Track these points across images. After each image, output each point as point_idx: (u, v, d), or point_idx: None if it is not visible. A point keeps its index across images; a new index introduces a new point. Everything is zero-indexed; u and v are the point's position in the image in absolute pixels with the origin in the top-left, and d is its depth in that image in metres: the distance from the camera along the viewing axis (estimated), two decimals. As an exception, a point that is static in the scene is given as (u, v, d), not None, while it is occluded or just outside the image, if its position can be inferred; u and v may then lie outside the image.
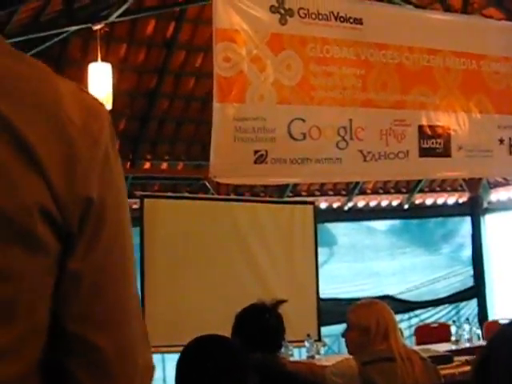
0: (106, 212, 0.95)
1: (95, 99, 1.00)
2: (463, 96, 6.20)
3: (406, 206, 11.55)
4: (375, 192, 11.43)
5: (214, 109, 5.22)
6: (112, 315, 0.96)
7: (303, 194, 10.80)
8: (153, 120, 9.64)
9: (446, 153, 6.10)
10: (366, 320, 3.66)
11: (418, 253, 11.98)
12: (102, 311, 0.95)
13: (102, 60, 7.40)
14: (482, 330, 8.04)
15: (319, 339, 7.80)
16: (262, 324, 3.49)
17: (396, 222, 12.09)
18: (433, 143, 6.03)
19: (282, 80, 5.41)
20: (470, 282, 11.72)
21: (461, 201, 11.93)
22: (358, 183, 10.82)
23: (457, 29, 6.30)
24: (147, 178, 9.63)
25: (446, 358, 5.87)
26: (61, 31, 7.67)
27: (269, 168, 5.32)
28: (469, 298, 11.63)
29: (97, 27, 7.50)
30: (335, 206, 11.18)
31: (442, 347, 6.88)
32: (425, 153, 5.99)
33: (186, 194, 9.37)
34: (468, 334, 7.45)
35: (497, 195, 11.80)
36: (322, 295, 8.66)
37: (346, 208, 11.24)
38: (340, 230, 11.62)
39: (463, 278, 11.82)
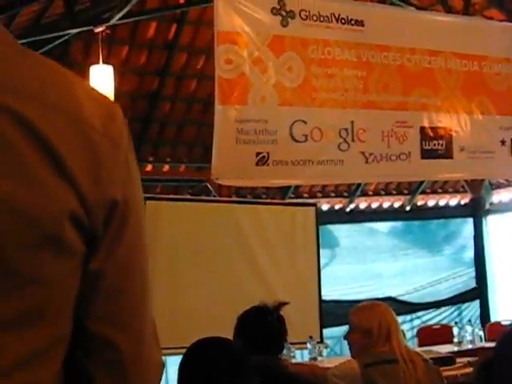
0: (129, 213, 0.96)
1: (108, 98, 1.01)
2: (465, 97, 6.19)
3: (408, 208, 11.55)
4: (377, 193, 11.43)
5: (215, 111, 5.22)
6: (131, 315, 0.98)
7: (305, 195, 10.80)
8: (154, 122, 9.65)
9: (447, 154, 6.10)
10: (368, 322, 3.65)
11: (420, 254, 11.97)
12: (123, 312, 0.97)
13: (104, 62, 7.40)
14: (484, 332, 8.04)
15: (321, 341, 7.79)
16: (264, 326, 3.49)
17: (398, 224, 12.08)
18: (435, 145, 6.03)
19: (283, 82, 5.40)
20: (473, 284, 11.72)
21: (463, 202, 11.93)
22: (359, 185, 10.81)
23: (458, 30, 6.29)
24: (149, 181, 9.63)
25: (449, 360, 5.87)
26: (62, 34, 7.68)
27: (270, 170, 5.32)
28: (471, 300, 11.63)
29: (98, 30, 7.51)
30: (337, 207, 11.18)
31: (445, 349, 6.88)
32: (427, 154, 5.99)
33: (188, 196, 9.36)
34: (470, 335, 7.45)
35: (499, 196, 11.79)
36: (324, 297, 8.66)
37: (347, 210, 11.23)
38: (342, 232, 11.61)
39: (465, 279, 11.81)
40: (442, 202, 11.87)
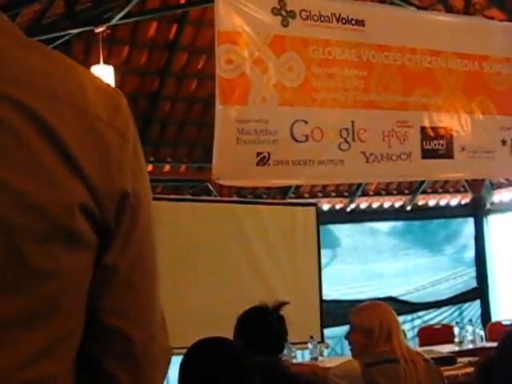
0: (140, 205, 0.97)
1: (113, 88, 1.01)
2: (465, 97, 6.19)
3: (409, 208, 11.55)
4: (378, 193, 11.43)
5: (216, 111, 5.22)
6: (143, 307, 0.99)
7: (306, 195, 10.80)
8: (155, 122, 9.65)
9: (448, 154, 6.09)
10: (369, 322, 3.65)
11: (421, 254, 11.97)
12: (135, 304, 0.98)
13: (104, 62, 7.41)
14: (485, 332, 8.05)
15: (322, 341, 7.79)
16: (264, 326, 3.48)
17: (399, 224, 12.08)
18: (435, 144, 6.02)
19: (284, 82, 5.40)
20: (473, 283, 11.72)
21: (463, 202, 11.93)
22: (360, 185, 10.82)
23: (459, 30, 6.29)
24: (150, 181, 9.57)
25: (449, 360, 5.87)
26: (63, 34, 7.68)
27: (271, 170, 5.32)
28: (472, 300, 11.64)
29: (99, 30, 7.52)
30: (338, 207, 11.19)
31: (445, 348, 6.87)
32: (427, 154, 5.99)
33: (189, 196, 9.37)
34: (471, 335, 7.45)
35: (499, 196, 11.80)
36: (325, 297, 8.67)
37: (348, 209, 11.24)
38: (343, 232, 11.61)
39: (466, 279, 11.82)
40: (442, 202, 11.87)
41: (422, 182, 11.03)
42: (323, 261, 8.78)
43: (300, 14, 5.46)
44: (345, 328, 4.13)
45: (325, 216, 9.76)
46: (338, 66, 5.63)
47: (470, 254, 11.89)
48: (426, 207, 11.78)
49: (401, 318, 5.21)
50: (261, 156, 5.25)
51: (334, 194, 11.11)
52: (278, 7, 5.38)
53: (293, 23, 5.42)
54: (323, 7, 5.60)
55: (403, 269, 11.71)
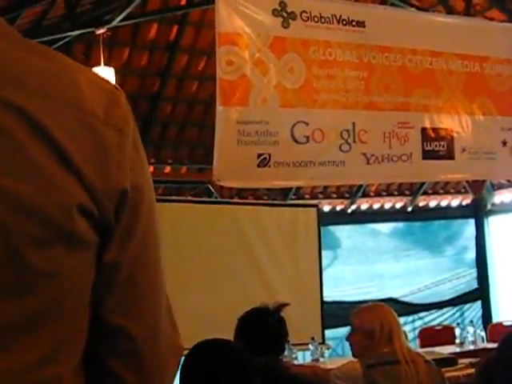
0: (142, 200, 0.96)
1: (111, 84, 1.00)
2: (466, 98, 6.19)
3: (410, 209, 11.55)
4: (378, 194, 11.43)
5: (217, 112, 5.22)
6: (146, 305, 0.98)
7: (306, 196, 10.80)
8: (156, 124, 9.66)
9: (449, 155, 6.09)
10: (370, 323, 3.65)
11: (422, 255, 11.96)
12: (138, 301, 0.97)
13: (105, 64, 7.42)
14: (486, 333, 8.04)
15: (323, 342, 7.80)
16: (264, 327, 3.48)
17: (400, 225, 12.07)
18: (436, 145, 6.02)
19: (284, 83, 5.40)
20: (474, 284, 11.71)
21: (464, 203, 11.93)
22: (361, 186, 10.82)
23: (459, 31, 6.29)
24: (150, 182, 9.62)
25: (451, 361, 5.86)
26: (63, 36, 7.68)
27: (272, 171, 5.32)
28: (473, 300, 11.63)
29: (99, 31, 7.52)
30: (338, 208, 11.18)
31: (447, 350, 6.87)
32: (428, 155, 5.99)
33: (190, 198, 9.37)
34: (472, 336, 7.44)
35: (500, 197, 11.79)
36: (326, 298, 8.67)
37: (349, 211, 11.24)
38: (343, 233, 11.60)
39: (467, 280, 11.81)
40: (443, 203, 11.87)
41: (423, 183, 11.02)
42: (324, 262, 8.78)
43: (300, 15, 5.46)
44: (346, 329, 4.14)
45: (325, 217, 9.76)
46: (338, 68, 5.63)
47: (471, 254, 11.88)
48: (426, 208, 11.78)
49: (402, 319, 5.22)
50: (261, 157, 5.25)
51: (334, 195, 11.11)
52: (279, 8, 5.38)
53: (293, 24, 5.42)
54: (324, 8, 5.60)
55: (404, 270, 11.70)
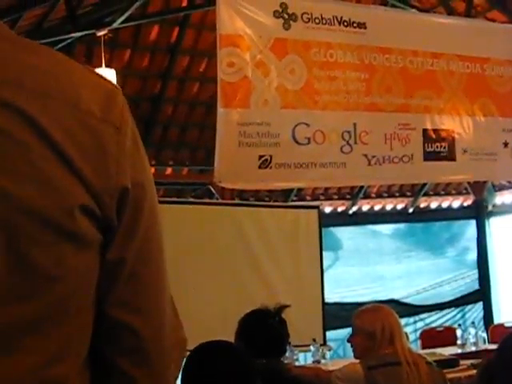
0: (145, 197, 0.96)
1: (108, 82, 1.00)
2: (467, 99, 6.19)
3: (411, 210, 11.55)
4: (380, 196, 11.43)
5: (218, 114, 5.22)
6: (150, 301, 0.98)
7: (308, 198, 10.81)
8: (157, 125, 9.66)
9: (450, 156, 6.09)
10: (371, 325, 3.65)
11: (423, 256, 11.95)
12: (141, 297, 0.97)
13: (106, 66, 7.42)
14: (487, 334, 8.03)
15: (324, 343, 7.79)
16: (265, 329, 3.48)
17: (401, 226, 12.07)
18: (437, 147, 6.02)
19: (286, 85, 5.40)
20: (476, 286, 11.71)
21: (466, 204, 11.93)
22: (362, 187, 10.82)
23: (460, 32, 6.29)
24: (152, 184, 9.61)
25: (452, 362, 5.86)
26: (64, 37, 7.69)
27: (273, 173, 5.32)
28: (474, 302, 11.62)
29: (101, 33, 7.53)
30: (340, 210, 11.19)
31: (448, 351, 6.86)
32: (429, 156, 5.99)
33: (191, 199, 9.38)
34: (474, 337, 7.43)
35: (502, 198, 11.80)
36: (327, 299, 8.66)
37: (350, 212, 11.24)
38: (345, 234, 11.60)
39: (468, 281, 11.81)
40: (444, 204, 11.87)
41: (424, 185, 11.02)
42: (325, 263, 8.78)
43: (301, 16, 5.46)
44: (347, 330, 4.13)
45: (327, 218, 9.76)
46: (339, 69, 5.63)
47: (473, 256, 11.88)
48: (428, 209, 11.78)
49: (403, 321, 5.22)
50: (263, 159, 5.25)
51: (336, 197, 11.11)
52: (280, 10, 5.38)
53: (294, 26, 5.42)
54: (325, 10, 5.60)
55: (405, 271, 11.70)
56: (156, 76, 9.40)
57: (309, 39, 5.52)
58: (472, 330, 7.57)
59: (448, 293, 11.68)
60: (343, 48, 5.65)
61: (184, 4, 8.77)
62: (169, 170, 10.16)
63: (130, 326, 0.96)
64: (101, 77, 0.99)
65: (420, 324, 11.17)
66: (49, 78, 0.91)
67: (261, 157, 5.24)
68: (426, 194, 11.54)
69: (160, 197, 9.43)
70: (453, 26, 6.38)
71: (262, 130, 5.26)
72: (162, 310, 1.00)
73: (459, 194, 11.82)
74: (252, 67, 5.26)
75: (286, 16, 5.39)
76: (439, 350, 6.64)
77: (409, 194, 11.50)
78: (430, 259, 11.94)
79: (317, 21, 5.53)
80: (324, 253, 8.51)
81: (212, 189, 9.39)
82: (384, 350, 3.59)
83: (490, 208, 11.79)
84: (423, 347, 8.01)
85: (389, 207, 11.52)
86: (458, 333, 7.63)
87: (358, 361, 3.68)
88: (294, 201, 10.39)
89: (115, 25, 7.57)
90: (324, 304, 8.29)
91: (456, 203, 11.90)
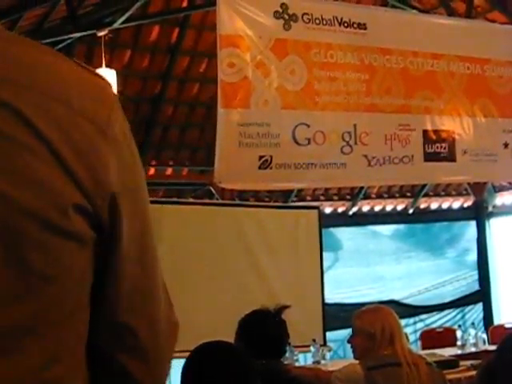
0: (137, 199, 0.96)
1: (101, 79, 0.99)
2: (468, 100, 6.19)
3: (411, 211, 11.55)
4: (380, 196, 11.43)
5: (218, 114, 5.22)
6: (146, 300, 0.99)
7: (308, 198, 10.80)
8: (157, 126, 9.66)
9: (450, 157, 6.10)
10: (371, 325, 3.65)
11: (423, 257, 11.95)
12: (139, 298, 0.98)
13: (107, 66, 7.42)
14: (487, 335, 8.03)
15: (324, 344, 7.79)
16: (265, 330, 3.48)
17: (401, 227, 12.07)
18: (437, 147, 6.02)
19: (286, 85, 5.41)
20: (476, 286, 11.71)
21: (466, 205, 11.93)
22: (362, 188, 10.82)
23: (461, 33, 6.29)
24: (152, 184, 9.62)
25: (452, 363, 5.86)
26: (65, 38, 7.69)
27: (273, 173, 5.32)
28: (474, 303, 11.62)
29: (101, 33, 7.52)
30: (340, 210, 11.18)
31: (448, 352, 6.86)
32: (429, 157, 5.99)
33: (191, 200, 9.37)
34: (474, 338, 7.43)
35: (502, 199, 11.79)
36: (327, 300, 8.66)
37: (350, 213, 11.24)
38: (345, 235, 11.60)
39: (469, 282, 11.80)
40: (444, 205, 11.87)
41: (425, 185, 11.03)
42: (325, 264, 8.78)
43: (302, 17, 5.46)
44: (347, 331, 4.13)
45: (327, 219, 9.75)
46: (339, 70, 5.63)
47: (473, 256, 11.88)
48: (428, 210, 11.78)
49: (403, 321, 5.22)
50: (263, 159, 5.25)
51: (336, 198, 11.11)
52: (280, 11, 5.38)
53: (295, 27, 5.43)
54: (325, 11, 5.61)
55: (405, 272, 11.70)
56: (156, 76, 9.40)
57: (309, 40, 5.52)
58: (472, 331, 7.57)
59: (448, 294, 11.68)
60: (343, 49, 5.65)
61: (184, 4, 8.77)
62: (169, 171, 10.16)
63: (128, 326, 0.96)
64: (95, 75, 0.99)
65: (420, 325, 11.17)
66: (42, 76, 0.90)
67: (261, 157, 5.25)
68: (426, 195, 11.54)
69: (160, 197, 9.45)
70: (453, 27, 6.38)
71: (263, 131, 5.26)
72: (157, 307, 1.01)
73: (459, 194, 11.82)
74: (252, 68, 5.26)
75: (286, 16, 5.40)
76: (439, 351, 6.64)
77: (409, 194, 11.50)
78: (430, 260, 11.94)
79: (317, 21, 5.54)
80: (324, 253, 8.51)
81: (212, 189, 9.39)
82: (384, 351, 3.59)
83: (490, 209, 11.79)
84: (423, 348, 8.01)
85: (389, 208, 11.52)
86: (458, 334, 7.63)
87: (357, 361, 3.68)
88: (294, 201, 10.39)
89: (116, 25, 7.57)
90: (324, 304, 8.29)
91: (456, 204, 11.90)
